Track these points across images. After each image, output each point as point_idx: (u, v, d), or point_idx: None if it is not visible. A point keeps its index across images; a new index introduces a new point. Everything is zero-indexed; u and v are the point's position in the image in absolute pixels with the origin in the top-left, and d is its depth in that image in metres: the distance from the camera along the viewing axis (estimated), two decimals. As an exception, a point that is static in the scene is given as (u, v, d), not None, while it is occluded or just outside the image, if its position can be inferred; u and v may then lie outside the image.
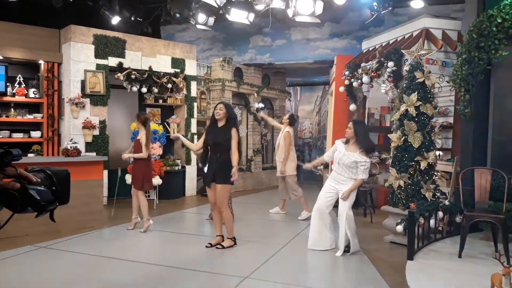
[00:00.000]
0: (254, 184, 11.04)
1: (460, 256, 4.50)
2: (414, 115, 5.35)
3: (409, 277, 3.96)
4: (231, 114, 5.01)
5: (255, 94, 11.18)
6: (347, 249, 4.97)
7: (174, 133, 5.49)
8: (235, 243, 5.21)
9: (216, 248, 5.08)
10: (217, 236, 5.26)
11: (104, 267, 4.54)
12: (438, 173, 6.08)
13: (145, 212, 5.96)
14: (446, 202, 5.40)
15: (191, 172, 9.43)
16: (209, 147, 5.02)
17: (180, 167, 9.16)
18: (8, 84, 7.42)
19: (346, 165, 4.90)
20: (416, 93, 5.36)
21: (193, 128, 9.47)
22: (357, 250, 5.04)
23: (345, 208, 4.93)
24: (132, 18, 9.36)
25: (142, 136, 5.95)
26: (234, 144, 4.89)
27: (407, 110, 5.41)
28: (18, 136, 7.55)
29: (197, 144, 5.21)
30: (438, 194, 5.57)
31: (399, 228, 4.98)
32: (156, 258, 4.84)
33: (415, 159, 5.35)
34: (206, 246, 5.16)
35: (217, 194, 4.99)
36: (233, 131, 4.94)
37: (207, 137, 5.04)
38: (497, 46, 5.35)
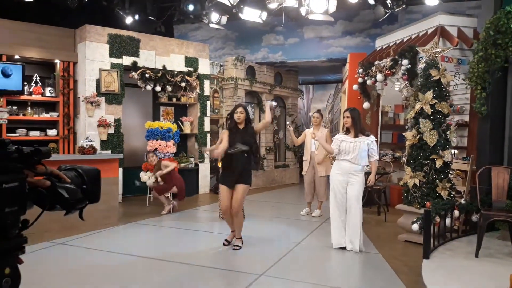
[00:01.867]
0: (266, 182, 11.05)
1: (477, 256, 4.46)
2: (430, 113, 5.31)
3: (426, 276, 3.94)
4: (249, 116, 5.09)
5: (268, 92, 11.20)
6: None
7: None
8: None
9: (233, 249, 5.07)
10: (232, 231, 5.27)
11: (119, 263, 4.60)
12: (453, 172, 6.03)
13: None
14: (462, 201, 5.36)
15: (204, 169, 9.49)
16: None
17: (193, 165, 9.22)
18: (25, 83, 7.52)
19: (361, 150, 4.91)
20: (431, 91, 5.32)
21: (206, 127, 9.51)
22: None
23: (358, 203, 4.93)
24: (146, 17, 9.43)
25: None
26: (260, 125, 5.44)
27: (422, 108, 5.38)
28: (34, 134, 7.67)
29: (223, 144, 5.14)
30: (453, 193, 5.52)
31: (415, 226, 4.95)
32: (170, 255, 4.88)
33: (431, 157, 5.32)
34: (224, 244, 5.17)
35: (238, 194, 4.95)
36: (254, 131, 5.15)
37: (233, 139, 4.94)
38: (515, 43, 5.27)
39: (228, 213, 5.06)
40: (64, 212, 1.25)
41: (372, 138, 5.05)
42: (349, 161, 4.94)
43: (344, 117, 5.06)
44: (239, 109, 5.01)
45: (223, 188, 5.05)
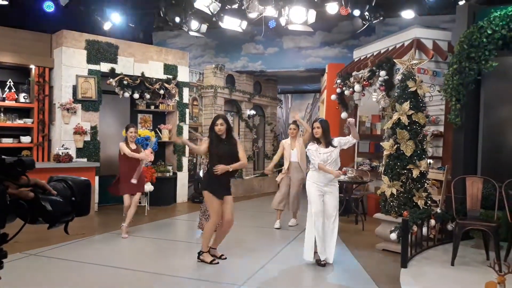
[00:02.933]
0: (245, 191, 11.02)
1: (452, 264, 4.55)
2: (407, 123, 5.42)
3: (404, 285, 3.99)
4: (229, 126, 5.02)
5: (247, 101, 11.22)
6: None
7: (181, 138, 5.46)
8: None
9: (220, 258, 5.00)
10: (212, 248, 5.09)
11: (94, 274, 4.48)
12: (429, 181, 6.15)
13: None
14: (438, 210, 5.46)
15: (182, 178, 9.39)
16: (217, 158, 4.83)
17: (171, 174, 9.12)
18: (-2, 88, 7.34)
19: (334, 160, 4.95)
20: (408, 102, 5.43)
21: (185, 134, 9.44)
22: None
23: (336, 213, 4.94)
24: (124, 24, 9.32)
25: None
26: (242, 153, 4.96)
27: (399, 118, 5.48)
28: (7, 141, 7.45)
29: (203, 148, 5.06)
30: (429, 202, 5.62)
31: (393, 236, 5.00)
32: (148, 265, 4.80)
33: (408, 167, 5.41)
34: (217, 262, 4.93)
35: (230, 206, 4.91)
36: (238, 142, 5.06)
37: (216, 149, 4.85)
38: (487, 56, 5.46)
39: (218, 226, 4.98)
40: (47, 225, 1.20)
41: (336, 140, 5.07)
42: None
43: (314, 127, 5.12)
44: (219, 121, 4.88)
45: (213, 200, 4.79)
